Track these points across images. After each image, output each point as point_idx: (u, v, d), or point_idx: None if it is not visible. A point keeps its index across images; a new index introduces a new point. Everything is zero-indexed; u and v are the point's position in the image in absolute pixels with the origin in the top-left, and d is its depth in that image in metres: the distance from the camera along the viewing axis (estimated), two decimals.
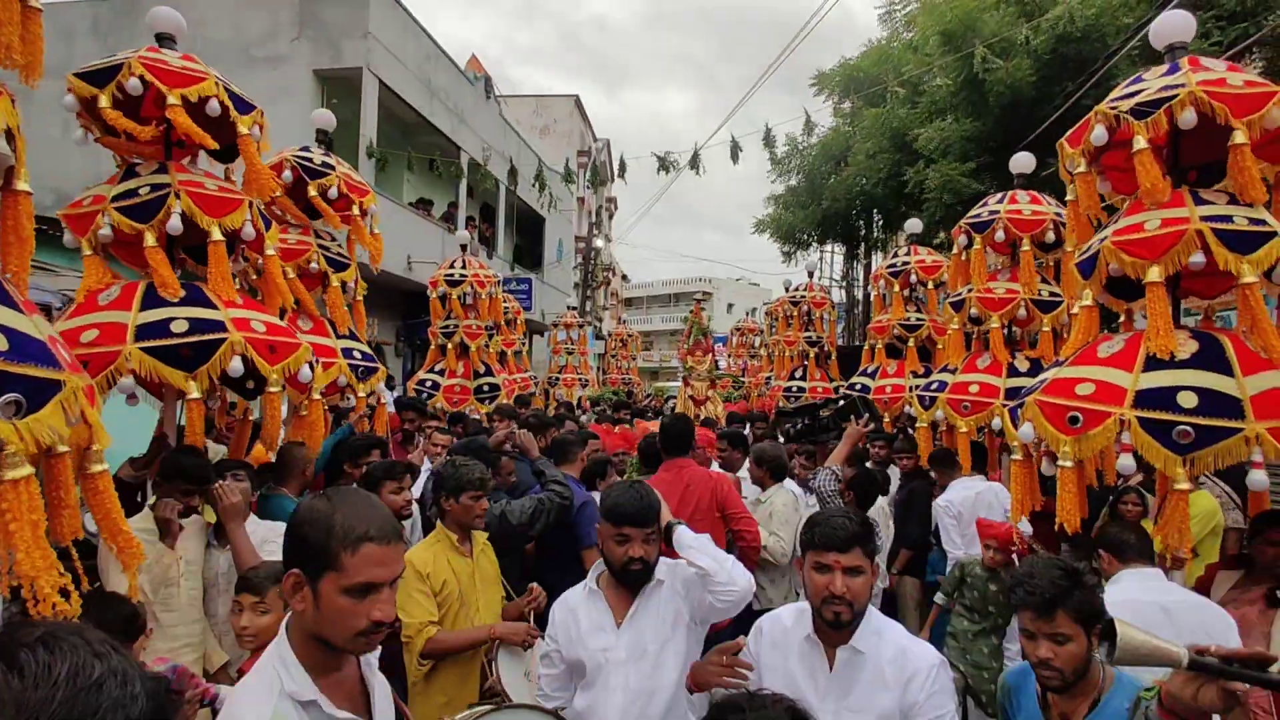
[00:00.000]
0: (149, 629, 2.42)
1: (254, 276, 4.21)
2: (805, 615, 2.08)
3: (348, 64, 12.91)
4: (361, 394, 4.87)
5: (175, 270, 3.50)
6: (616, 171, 18.43)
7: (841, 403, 4.41)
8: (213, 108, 3.54)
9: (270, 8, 13.04)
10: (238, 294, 3.62)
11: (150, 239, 3.36)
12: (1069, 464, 2.93)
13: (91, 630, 0.87)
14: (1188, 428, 2.59)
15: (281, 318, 4.69)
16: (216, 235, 3.49)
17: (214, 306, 3.40)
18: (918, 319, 6.94)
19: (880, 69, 13.26)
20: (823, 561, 1.96)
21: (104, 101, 3.34)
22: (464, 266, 8.15)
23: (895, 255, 7.43)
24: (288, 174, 4.83)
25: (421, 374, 8.14)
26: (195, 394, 3.23)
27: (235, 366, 3.25)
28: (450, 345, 7.99)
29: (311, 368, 3.65)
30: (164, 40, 3.70)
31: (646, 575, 2.29)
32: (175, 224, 3.38)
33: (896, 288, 7.06)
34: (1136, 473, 4.38)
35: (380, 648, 1.55)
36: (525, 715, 2.16)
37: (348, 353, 4.86)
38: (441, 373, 7.96)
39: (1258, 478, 2.69)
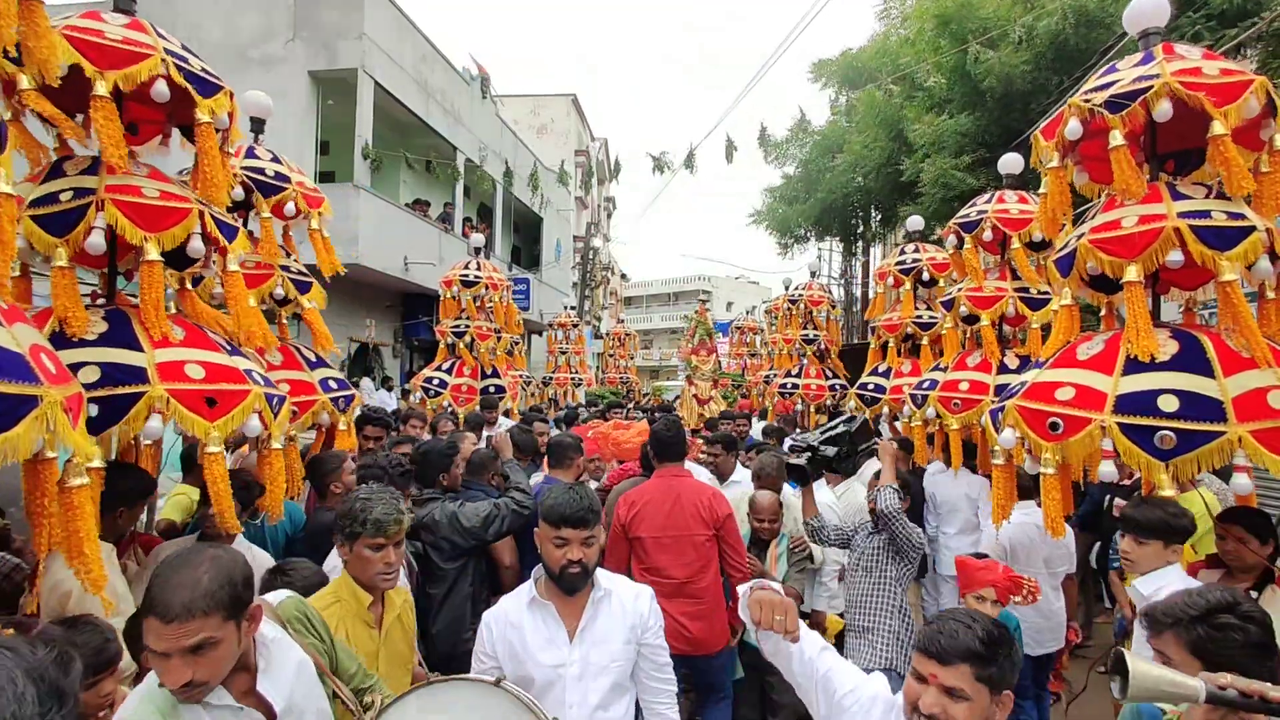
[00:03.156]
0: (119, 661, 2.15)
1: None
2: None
3: (343, 65, 12.90)
4: (342, 426, 4.41)
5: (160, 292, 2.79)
6: (612, 173, 18.40)
7: (856, 424, 4.17)
8: (159, 92, 2.85)
9: (264, 9, 13.04)
10: (180, 325, 2.96)
11: (62, 257, 2.66)
12: (1051, 470, 2.90)
13: None
14: (1169, 432, 2.54)
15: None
16: (152, 254, 2.80)
17: (138, 347, 2.71)
18: (931, 317, 6.84)
19: (878, 62, 13.22)
20: (920, 670, 1.62)
21: (24, 82, 2.56)
22: (479, 269, 8.24)
23: (902, 252, 7.37)
24: (238, 190, 4.05)
25: (428, 371, 8.16)
26: (96, 463, 2.46)
27: (153, 428, 2.61)
28: (459, 345, 8.04)
29: (263, 417, 2.95)
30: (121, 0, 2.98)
31: (584, 578, 2.20)
32: (96, 242, 2.69)
33: (908, 285, 6.99)
34: (1124, 474, 4.38)
35: None
36: (462, 688, 1.95)
37: (324, 384, 4.36)
38: (449, 370, 7.99)
39: (1241, 481, 2.64)
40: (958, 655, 1.55)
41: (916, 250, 7.03)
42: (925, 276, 6.84)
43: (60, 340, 2.64)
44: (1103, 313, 3.39)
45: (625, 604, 2.28)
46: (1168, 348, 2.74)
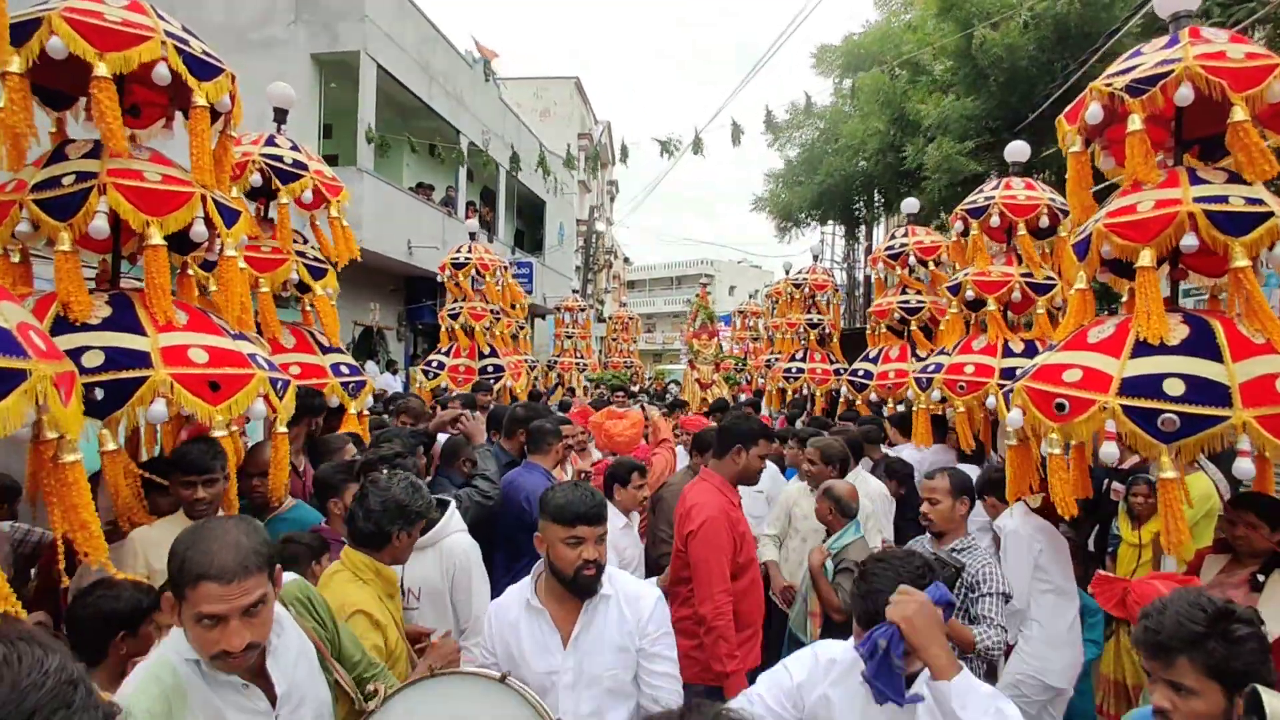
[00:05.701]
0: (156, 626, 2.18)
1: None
2: None
3: (345, 48, 12.80)
4: (352, 411, 4.39)
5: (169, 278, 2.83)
6: (618, 156, 18.31)
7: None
8: (160, 74, 2.82)
9: None
10: (183, 309, 2.93)
11: (65, 241, 2.65)
12: (1058, 451, 2.94)
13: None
14: (1173, 416, 2.57)
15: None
16: (156, 239, 2.80)
17: (142, 331, 2.72)
18: (918, 301, 6.87)
19: (881, 47, 13.13)
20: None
21: (14, 65, 2.56)
22: (469, 251, 8.30)
23: (893, 237, 7.36)
24: (256, 177, 4.20)
25: (431, 356, 8.28)
26: (110, 446, 2.59)
27: (157, 411, 2.63)
28: (456, 327, 8.09)
29: (269, 400, 2.95)
30: None
31: (599, 580, 2.13)
32: (99, 226, 2.68)
33: (898, 270, 6.99)
34: (1132, 458, 4.40)
35: None
36: (467, 682, 1.92)
37: (335, 369, 4.36)
38: (448, 354, 8.09)
39: (1244, 466, 2.64)
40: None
41: (906, 234, 7.02)
42: (912, 261, 6.84)
43: (63, 325, 2.63)
44: (1124, 298, 3.35)
45: (623, 607, 2.19)
46: (1178, 332, 2.76)
